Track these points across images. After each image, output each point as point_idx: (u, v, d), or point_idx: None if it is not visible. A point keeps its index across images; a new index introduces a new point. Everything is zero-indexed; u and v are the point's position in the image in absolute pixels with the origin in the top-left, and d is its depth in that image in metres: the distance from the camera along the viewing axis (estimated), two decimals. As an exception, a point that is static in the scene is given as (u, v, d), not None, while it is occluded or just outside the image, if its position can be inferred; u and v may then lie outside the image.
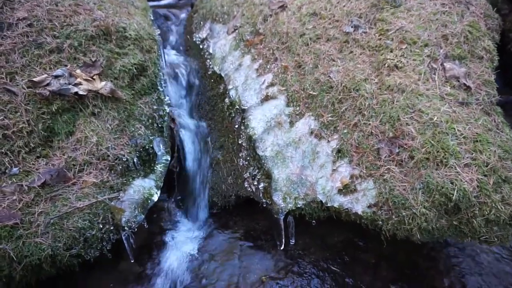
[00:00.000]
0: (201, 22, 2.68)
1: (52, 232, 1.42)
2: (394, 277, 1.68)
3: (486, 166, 1.34)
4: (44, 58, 1.79)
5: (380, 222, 1.44)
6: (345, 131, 1.64)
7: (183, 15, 3.09)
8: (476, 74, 1.70)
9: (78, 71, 1.79)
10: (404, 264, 1.73)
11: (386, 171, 1.47)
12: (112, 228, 1.59)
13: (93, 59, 1.86)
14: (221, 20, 2.53)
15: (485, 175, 1.33)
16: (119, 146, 1.76)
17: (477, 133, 1.43)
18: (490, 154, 1.37)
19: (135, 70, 2.00)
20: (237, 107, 2.00)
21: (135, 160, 1.80)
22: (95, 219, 1.53)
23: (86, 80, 1.78)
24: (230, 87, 2.10)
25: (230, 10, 2.49)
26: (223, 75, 2.21)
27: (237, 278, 1.71)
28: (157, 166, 1.93)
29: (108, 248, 1.58)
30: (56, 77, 1.73)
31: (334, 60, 1.85)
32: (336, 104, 1.72)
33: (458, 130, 1.43)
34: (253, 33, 2.23)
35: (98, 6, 2.09)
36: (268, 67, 2.02)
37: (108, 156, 1.70)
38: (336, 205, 1.53)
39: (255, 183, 1.82)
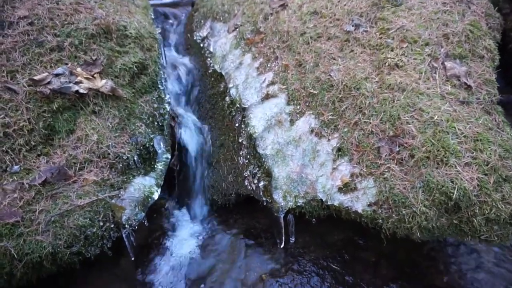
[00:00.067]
0: (202, 21, 2.68)
1: (52, 229, 1.42)
2: (394, 275, 1.68)
3: (487, 165, 1.34)
4: (45, 57, 1.79)
5: (380, 221, 1.44)
6: (345, 129, 1.64)
7: (183, 14, 3.09)
8: (477, 73, 1.70)
9: (78, 69, 1.80)
10: (404, 262, 1.73)
11: (386, 170, 1.47)
12: (112, 226, 1.59)
13: (94, 58, 1.86)
14: (221, 18, 2.53)
15: (486, 174, 1.33)
16: (119, 144, 1.76)
17: (477, 132, 1.43)
18: (490, 153, 1.37)
19: (135, 69, 2.00)
20: (238, 105, 2.00)
21: (135, 158, 1.80)
22: (96, 217, 1.53)
23: (86, 78, 1.78)
24: (230, 85, 2.10)
25: (231, 9, 2.49)
26: (223, 73, 2.21)
27: (237, 276, 1.71)
28: (158, 164, 1.93)
29: (108, 246, 1.59)
30: (57, 75, 1.73)
31: (334, 59, 1.85)
32: (337, 103, 1.72)
33: (458, 129, 1.43)
34: (254, 32, 2.23)
35: (98, 5, 2.09)
36: (268, 65, 2.02)
37: (109, 154, 1.71)
38: (336, 203, 1.54)
39: (256, 181, 1.82)
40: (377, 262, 1.74)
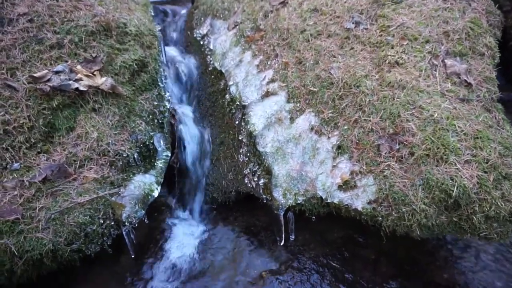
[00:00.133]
0: (202, 18, 2.67)
1: (53, 227, 1.42)
2: (393, 273, 1.68)
3: (487, 163, 1.34)
4: (45, 54, 1.79)
5: (380, 218, 1.44)
6: (345, 127, 1.64)
7: (183, 11, 3.08)
8: (477, 71, 1.69)
9: (78, 66, 1.79)
10: (404, 260, 1.73)
11: (386, 168, 1.47)
12: (112, 223, 1.59)
13: (94, 55, 1.86)
14: (221, 16, 2.52)
15: (485, 172, 1.33)
16: (119, 141, 1.76)
17: (477, 129, 1.43)
18: (490, 151, 1.37)
19: (135, 66, 2.00)
20: (238, 103, 2.00)
21: (135, 156, 1.80)
22: (96, 214, 1.54)
23: (86, 76, 1.78)
24: (230, 83, 2.10)
25: (231, 6, 2.49)
26: (223, 71, 2.21)
27: (237, 273, 1.72)
28: (158, 162, 1.93)
29: (108, 243, 1.59)
30: (57, 72, 1.73)
31: (335, 56, 1.85)
32: (337, 101, 1.71)
33: (458, 126, 1.43)
34: (254, 29, 2.23)
35: (98, 2, 2.08)
36: (268, 63, 2.02)
37: (109, 151, 1.71)
38: (336, 201, 1.54)
39: (255, 179, 1.82)
40: (377, 260, 1.74)
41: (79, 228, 1.47)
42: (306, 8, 2.09)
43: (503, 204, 1.28)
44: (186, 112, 2.34)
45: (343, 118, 1.67)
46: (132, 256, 1.77)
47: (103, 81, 1.81)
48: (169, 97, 2.16)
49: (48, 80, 1.70)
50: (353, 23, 1.92)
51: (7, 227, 1.37)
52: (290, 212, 1.71)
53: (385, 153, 1.50)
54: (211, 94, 2.33)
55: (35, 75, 1.68)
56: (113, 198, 1.61)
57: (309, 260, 1.75)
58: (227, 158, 2.08)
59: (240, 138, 1.97)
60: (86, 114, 1.75)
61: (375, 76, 1.70)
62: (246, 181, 1.90)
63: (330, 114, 1.70)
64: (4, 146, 1.57)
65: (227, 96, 2.11)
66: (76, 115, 1.75)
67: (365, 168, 1.52)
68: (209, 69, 2.38)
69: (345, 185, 1.53)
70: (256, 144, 1.78)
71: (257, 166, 1.83)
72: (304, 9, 2.09)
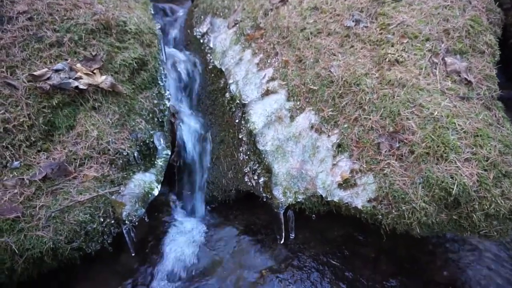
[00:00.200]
0: (202, 16, 2.67)
1: (53, 225, 1.42)
2: (393, 271, 1.68)
3: (486, 161, 1.34)
4: (45, 52, 1.78)
5: (380, 217, 1.45)
6: (345, 125, 1.64)
7: (183, 10, 3.08)
8: (477, 69, 1.69)
9: (78, 65, 1.79)
10: (404, 258, 1.74)
11: (386, 166, 1.47)
12: (113, 221, 1.59)
13: (94, 53, 1.86)
14: (221, 14, 2.52)
15: (485, 170, 1.33)
16: (119, 140, 1.76)
17: (477, 127, 1.43)
18: (490, 149, 1.37)
19: (135, 65, 1.99)
20: (238, 101, 2.00)
21: (135, 154, 1.80)
22: (96, 212, 1.54)
23: (86, 74, 1.78)
24: (230, 81, 2.10)
25: (231, 4, 2.48)
26: (223, 69, 2.21)
27: (237, 271, 1.72)
28: (158, 161, 1.93)
29: (109, 241, 1.59)
30: (57, 71, 1.73)
31: (335, 55, 1.85)
32: (337, 99, 1.71)
33: (458, 124, 1.43)
34: (254, 28, 2.23)
35: (98, 0, 2.08)
36: (268, 61, 2.02)
37: (109, 150, 1.71)
38: (336, 199, 1.54)
39: (255, 177, 1.82)
40: (376, 258, 1.74)
41: (79, 226, 1.47)
42: (306, 6, 2.08)
43: (503, 202, 1.28)
44: (186, 110, 2.34)
45: (343, 117, 1.67)
46: (133, 255, 1.77)
47: (103, 80, 1.81)
48: (169, 96, 2.16)
49: (48, 78, 1.70)
50: (353, 21, 1.92)
51: (8, 225, 1.37)
52: (290, 211, 1.71)
53: (385, 152, 1.50)
54: (211, 92, 2.33)
55: (35, 73, 1.68)
56: (113, 197, 1.61)
57: (309, 258, 1.75)
58: (227, 157, 2.08)
59: (240, 137, 1.97)
60: (86, 113, 1.75)
61: (375, 74, 1.70)
62: (246, 180, 1.90)
63: (330, 113, 1.70)
64: (4, 144, 1.57)
65: (227, 95, 2.11)
66: (76, 113, 1.75)
67: (365, 166, 1.52)
68: (209, 67, 2.37)
69: (345, 184, 1.53)
70: (256, 143, 1.78)
71: (257, 165, 1.83)
72: (304, 7, 2.09)
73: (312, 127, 1.71)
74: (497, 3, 2.06)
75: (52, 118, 1.69)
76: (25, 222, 1.40)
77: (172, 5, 3.13)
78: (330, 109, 1.71)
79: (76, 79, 1.74)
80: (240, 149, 1.97)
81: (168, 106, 2.12)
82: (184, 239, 1.93)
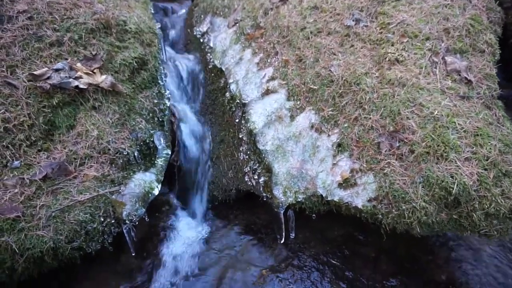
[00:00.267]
0: (202, 16, 2.67)
1: (53, 225, 1.43)
2: (394, 270, 1.68)
3: (487, 160, 1.34)
4: (45, 51, 1.78)
5: (380, 216, 1.45)
6: (345, 125, 1.64)
7: (183, 9, 3.08)
8: (477, 68, 1.69)
9: (78, 64, 1.79)
10: (404, 257, 1.74)
11: (386, 165, 1.47)
12: (113, 221, 1.59)
13: (94, 53, 1.86)
14: (221, 13, 2.52)
15: (485, 169, 1.33)
16: (119, 140, 1.76)
17: (477, 127, 1.43)
18: (490, 148, 1.37)
19: (135, 64, 1.99)
20: (238, 101, 2.00)
21: (135, 154, 1.80)
22: (96, 212, 1.54)
23: (86, 73, 1.78)
24: (230, 81, 2.10)
25: (231, 4, 2.48)
26: (223, 69, 2.21)
27: (238, 271, 1.72)
28: (158, 160, 1.93)
29: (109, 241, 1.59)
30: (57, 70, 1.73)
31: (335, 54, 1.84)
32: (337, 98, 1.71)
33: (458, 124, 1.43)
34: (254, 27, 2.23)
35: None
36: (268, 61, 2.01)
37: (109, 149, 1.71)
38: (336, 199, 1.54)
39: (256, 177, 1.82)
40: (377, 258, 1.74)
41: (80, 226, 1.47)
42: (306, 6, 2.08)
43: (503, 201, 1.28)
44: (186, 110, 2.34)
45: (343, 116, 1.66)
46: (133, 254, 1.77)
47: (103, 79, 1.81)
48: (169, 95, 2.16)
49: (48, 78, 1.70)
50: (353, 20, 1.92)
51: (8, 225, 1.37)
52: (290, 210, 1.71)
53: (385, 151, 1.50)
54: (211, 92, 2.33)
55: (35, 72, 1.68)
56: (113, 196, 1.61)
57: (309, 258, 1.75)
58: (227, 156, 2.08)
59: (240, 136, 1.97)
60: (86, 112, 1.75)
61: (375, 74, 1.70)
62: (246, 179, 1.90)
63: (330, 112, 1.70)
64: (4, 144, 1.57)
65: (227, 94, 2.11)
66: (76, 113, 1.75)
67: (365, 166, 1.52)
68: (209, 67, 2.37)
69: (345, 183, 1.53)
70: (256, 142, 1.78)
71: (257, 164, 1.83)
72: (304, 7, 2.09)
73: (312, 126, 1.71)
74: (497, 2, 2.06)
75: (52, 118, 1.69)
76: (26, 222, 1.40)
77: (172, 5, 3.13)
78: (330, 109, 1.71)
79: (76, 78, 1.74)
80: (240, 149, 1.97)
81: (168, 105, 2.12)
82: (184, 238, 1.94)
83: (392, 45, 1.76)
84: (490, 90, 1.64)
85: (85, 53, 1.85)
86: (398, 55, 1.71)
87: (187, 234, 1.97)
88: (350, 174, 1.54)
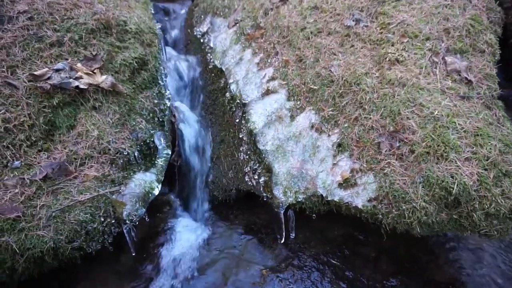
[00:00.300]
0: (202, 16, 2.67)
1: (54, 225, 1.43)
2: (394, 270, 1.68)
3: (487, 160, 1.34)
4: (45, 52, 1.79)
5: (380, 216, 1.45)
6: (345, 125, 1.64)
7: (183, 9, 3.08)
8: (477, 68, 1.69)
9: (78, 64, 1.79)
10: (404, 257, 1.74)
11: (386, 165, 1.47)
12: (113, 221, 1.59)
13: (94, 53, 1.86)
14: (222, 13, 2.52)
15: (486, 169, 1.33)
16: (120, 140, 1.76)
17: (477, 127, 1.43)
18: (490, 148, 1.37)
19: (135, 64, 1.99)
20: (238, 101, 2.00)
21: (136, 154, 1.81)
22: (97, 212, 1.54)
23: (87, 73, 1.78)
24: (231, 81, 2.10)
25: (231, 4, 2.48)
26: (223, 69, 2.21)
27: (238, 271, 1.72)
28: (158, 160, 1.93)
29: (109, 241, 1.59)
30: (57, 70, 1.73)
31: (335, 54, 1.84)
32: (337, 98, 1.71)
33: (458, 124, 1.43)
34: (254, 27, 2.23)
35: (98, 0, 2.08)
36: (269, 61, 2.01)
37: (109, 150, 1.71)
38: (336, 199, 1.54)
39: (256, 177, 1.82)
40: (377, 257, 1.74)
41: (80, 226, 1.47)
42: (306, 6, 2.08)
43: (503, 201, 1.28)
44: (186, 110, 2.34)
45: (343, 116, 1.67)
46: (133, 254, 1.77)
47: (103, 79, 1.81)
48: (170, 95, 2.16)
49: (49, 78, 1.70)
50: (353, 20, 1.92)
51: (8, 225, 1.37)
52: (291, 210, 1.71)
53: (385, 151, 1.50)
54: (212, 92, 2.33)
55: (35, 73, 1.68)
56: (113, 196, 1.61)
57: (309, 258, 1.75)
58: (228, 156, 2.08)
59: (240, 136, 1.97)
60: (86, 112, 1.75)
61: (375, 74, 1.70)
62: (246, 179, 1.90)
63: (331, 112, 1.70)
64: (5, 144, 1.57)
65: (228, 94, 2.11)
66: (76, 113, 1.75)
67: (365, 166, 1.52)
68: (209, 67, 2.37)
69: (346, 183, 1.53)
70: (257, 142, 1.78)
71: (257, 164, 1.83)
72: (304, 7, 2.09)
73: (312, 126, 1.71)
74: (498, 2, 2.06)
75: (52, 118, 1.69)
76: (26, 222, 1.40)
77: (173, 5, 3.13)
78: (331, 109, 1.71)
79: (77, 78, 1.74)
80: (241, 149, 1.97)
81: (168, 105, 2.12)
82: (184, 238, 1.94)
83: (392, 45, 1.76)
84: (490, 90, 1.64)
85: (86, 53, 1.85)
86: (398, 55, 1.71)
87: (187, 234, 1.97)
88: (350, 174, 1.54)
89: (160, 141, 1.96)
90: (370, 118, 1.58)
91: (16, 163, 1.57)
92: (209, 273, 1.74)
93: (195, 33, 2.64)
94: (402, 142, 1.48)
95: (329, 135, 1.66)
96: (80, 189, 1.56)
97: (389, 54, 1.72)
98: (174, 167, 2.17)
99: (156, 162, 1.92)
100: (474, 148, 1.37)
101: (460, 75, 1.65)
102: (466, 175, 1.31)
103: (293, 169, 1.66)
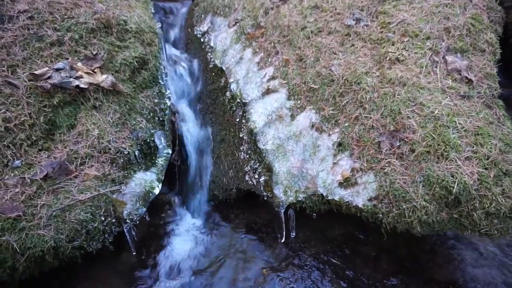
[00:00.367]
0: (202, 15, 2.67)
1: (54, 224, 1.43)
2: (394, 270, 1.68)
3: (487, 159, 1.34)
4: (45, 51, 1.79)
5: (381, 215, 1.45)
6: (346, 124, 1.64)
7: (184, 9, 3.08)
8: (478, 67, 1.69)
9: (79, 64, 1.79)
10: (405, 257, 1.74)
11: (386, 164, 1.47)
12: (114, 220, 1.60)
13: (94, 52, 1.86)
14: (222, 13, 2.51)
15: (486, 168, 1.33)
16: (120, 139, 1.76)
17: (478, 126, 1.43)
18: (491, 147, 1.37)
19: (136, 64, 1.99)
20: (238, 100, 2.00)
21: (136, 153, 1.81)
22: (97, 211, 1.54)
23: (87, 73, 1.78)
24: (231, 80, 2.10)
25: (231, 3, 2.48)
26: (224, 68, 2.21)
27: (238, 270, 1.72)
28: (159, 159, 1.93)
29: (110, 240, 1.59)
30: (57, 70, 1.73)
31: (335, 53, 1.84)
32: (337, 98, 1.71)
33: (459, 123, 1.43)
34: (254, 26, 2.23)
35: (98, -1, 2.08)
36: (269, 60, 2.01)
37: (110, 149, 1.71)
38: (336, 198, 1.54)
39: (256, 176, 1.82)
40: (377, 257, 1.74)
41: (81, 225, 1.47)
42: (307, 5, 2.08)
43: (503, 200, 1.28)
44: (186, 109, 2.34)
45: (343, 115, 1.67)
46: (133, 253, 1.77)
47: (104, 79, 1.81)
48: (170, 95, 2.16)
49: (49, 77, 1.70)
50: (353, 20, 1.92)
51: (9, 224, 1.38)
52: (291, 209, 1.71)
53: (385, 150, 1.50)
54: (212, 91, 2.33)
55: (35, 72, 1.68)
56: (114, 196, 1.61)
57: (309, 257, 1.75)
58: (228, 156, 2.09)
59: (240, 136, 1.97)
60: (86, 112, 1.75)
61: (375, 73, 1.70)
62: (247, 179, 1.90)
63: (331, 111, 1.70)
64: (5, 143, 1.57)
65: (228, 94, 2.11)
66: (76, 112, 1.75)
67: (365, 165, 1.52)
68: (210, 66, 2.37)
69: (346, 182, 1.53)
70: (257, 142, 1.78)
71: (257, 164, 1.83)
72: (304, 6, 2.09)
73: (312, 126, 1.71)
74: (498, 1, 2.06)
75: (53, 117, 1.70)
76: (27, 221, 1.40)
77: (173, 4, 3.13)
78: (331, 108, 1.71)
79: (77, 78, 1.74)
80: (241, 148, 1.97)
81: (168, 105, 2.12)
82: (185, 237, 1.94)
83: (393, 45, 1.76)
84: (490, 89, 1.64)
85: (86, 52, 1.85)
86: (399, 54, 1.71)
87: (187, 233, 1.97)
88: (351, 173, 1.54)
89: (160, 141, 1.96)
90: (371, 118, 1.58)
91: (17, 162, 1.57)
92: (209, 272, 1.74)
93: (195, 33, 2.64)
94: (402, 141, 1.48)
95: (329, 134, 1.66)
96: (81, 188, 1.56)
97: (390, 53, 1.72)
98: (174, 167, 2.17)
99: (156, 161, 1.92)
100: (475, 147, 1.37)
101: (460, 74, 1.65)
102: (466, 174, 1.31)
103: (294, 168, 1.66)
